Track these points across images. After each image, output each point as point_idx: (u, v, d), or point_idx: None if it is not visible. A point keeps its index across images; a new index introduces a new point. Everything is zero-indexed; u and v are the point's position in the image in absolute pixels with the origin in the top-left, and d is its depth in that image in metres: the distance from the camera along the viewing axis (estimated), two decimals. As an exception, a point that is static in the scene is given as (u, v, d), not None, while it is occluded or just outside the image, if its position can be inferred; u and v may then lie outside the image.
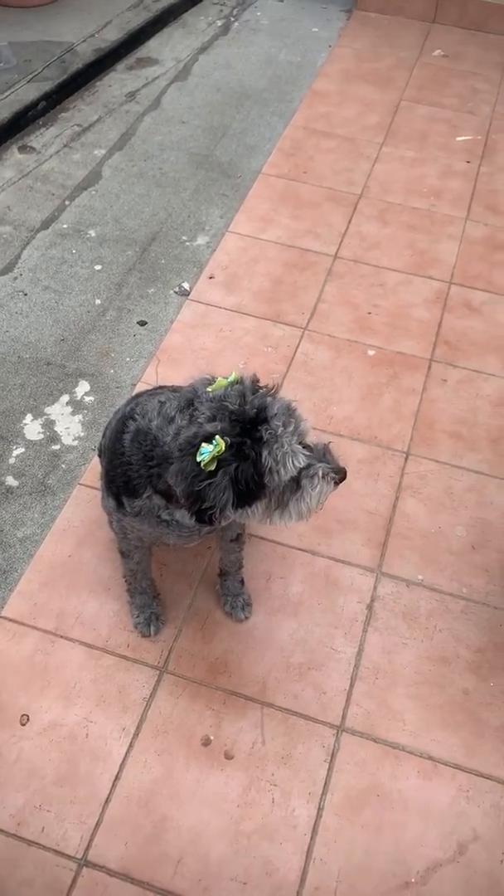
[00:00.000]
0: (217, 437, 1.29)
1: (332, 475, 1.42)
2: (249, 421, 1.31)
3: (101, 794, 1.72)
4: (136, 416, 1.53)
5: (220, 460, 1.30)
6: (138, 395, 1.76)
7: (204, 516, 1.35)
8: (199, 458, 1.30)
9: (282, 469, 1.32)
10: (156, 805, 1.71)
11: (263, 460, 1.31)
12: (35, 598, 2.03)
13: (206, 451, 1.29)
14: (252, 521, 1.43)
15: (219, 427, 1.31)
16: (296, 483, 1.38)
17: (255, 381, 1.38)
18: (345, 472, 1.45)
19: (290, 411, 1.35)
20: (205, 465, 1.30)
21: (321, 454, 1.42)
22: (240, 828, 1.69)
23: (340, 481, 1.45)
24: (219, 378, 1.39)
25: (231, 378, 1.38)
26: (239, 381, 1.37)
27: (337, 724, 1.85)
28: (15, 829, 1.67)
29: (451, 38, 4.64)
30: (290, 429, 1.33)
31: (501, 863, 1.67)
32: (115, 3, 4.54)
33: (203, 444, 1.30)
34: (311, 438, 1.42)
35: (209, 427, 1.32)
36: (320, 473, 1.40)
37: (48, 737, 1.80)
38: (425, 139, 3.81)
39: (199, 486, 1.31)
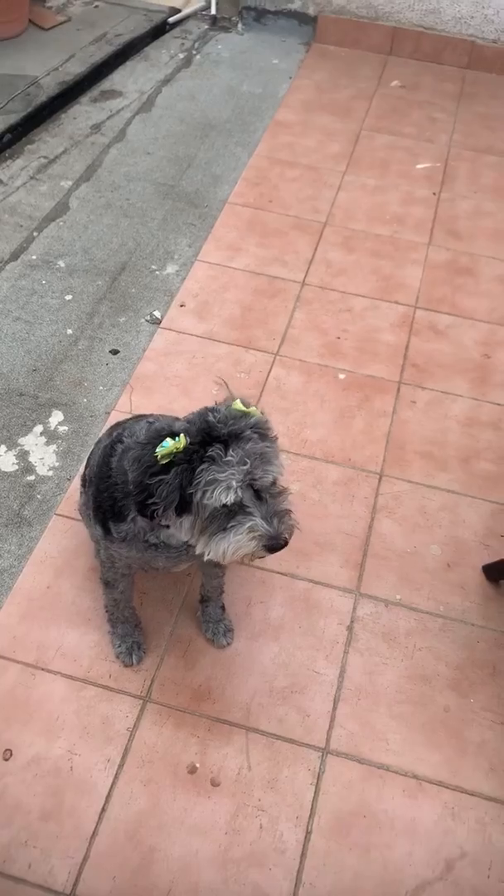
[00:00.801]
0: (181, 435, 1.33)
1: (264, 538, 1.34)
2: (214, 438, 1.32)
3: (88, 828, 1.70)
4: (125, 439, 1.56)
5: (174, 460, 1.32)
6: (121, 423, 1.78)
7: (147, 511, 1.36)
8: (157, 450, 1.33)
9: (207, 493, 1.30)
10: (143, 836, 1.70)
11: (196, 475, 1.31)
12: (14, 631, 2.01)
13: (166, 445, 1.32)
14: (179, 535, 1.41)
15: (185, 427, 1.35)
16: (226, 522, 1.34)
17: (263, 421, 1.37)
18: (282, 543, 1.35)
19: (259, 455, 1.32)
20: (160, 457, 1.32)
21: (269, 513, 1.34)
22: (228, 855, 1.68)
23: (272, 550, 1.35)
24: (237, 400, 1.41)
25: (251, 409, 1.39)
26: (250, 413, 1.37)
27: (322, 747, 1.86)
28: (0, 867, 1.64)
29: (408, 69, 4.78)
30: (243, 467, 1.30)
31: (488, 878, 1.68)
32: (77, 38, 4.60)
33: (167, 439, 1.33)
34: (282, 499, 1.38)
35: (178, 425, 1.36)
36: (249, 526, 1.33)
37: (32, 771, 1.78)
38: (386, 167, 3.91)
39: (151, 480, 1.33)
